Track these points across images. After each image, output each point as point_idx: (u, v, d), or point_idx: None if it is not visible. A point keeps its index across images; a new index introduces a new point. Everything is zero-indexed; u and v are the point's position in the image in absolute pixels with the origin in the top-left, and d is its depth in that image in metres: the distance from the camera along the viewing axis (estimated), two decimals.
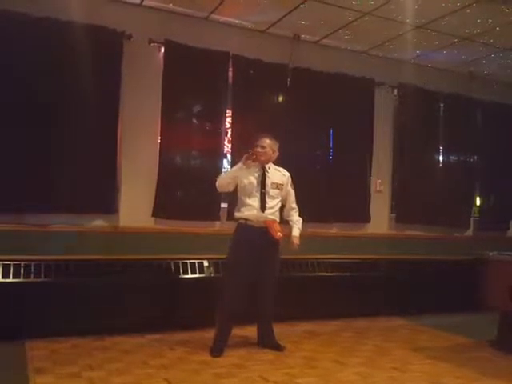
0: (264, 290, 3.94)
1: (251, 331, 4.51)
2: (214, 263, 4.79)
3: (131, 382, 3.17)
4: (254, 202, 3.84)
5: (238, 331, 4.47)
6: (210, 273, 4.76)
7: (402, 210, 5.95)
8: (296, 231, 4.01)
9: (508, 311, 4.19)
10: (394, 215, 5.99)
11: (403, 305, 5.41)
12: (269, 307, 4.00)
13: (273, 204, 3.89)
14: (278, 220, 3.93)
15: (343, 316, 5.12)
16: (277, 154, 4.01)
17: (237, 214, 3.93)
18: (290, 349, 4.05)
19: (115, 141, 4.62)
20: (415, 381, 3.41)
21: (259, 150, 3.88)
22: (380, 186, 5.87)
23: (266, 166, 3.93)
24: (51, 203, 4.32)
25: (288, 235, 3.96)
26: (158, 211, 4.73)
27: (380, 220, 5.88)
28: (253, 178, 3.88)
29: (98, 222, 4.58)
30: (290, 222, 4.06)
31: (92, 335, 4.09)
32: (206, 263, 4.76)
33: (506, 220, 6.60)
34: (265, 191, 3.86)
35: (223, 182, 3.93)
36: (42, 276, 4.13)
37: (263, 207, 3.83)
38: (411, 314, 5.34)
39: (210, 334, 4.33)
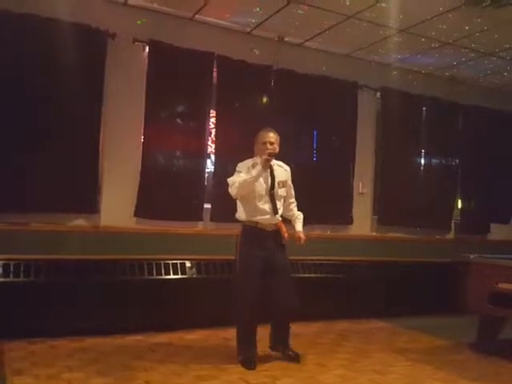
0: (280, 288, 3.62)
1: (234, 332, 4.50)
2: (197, 264, 4.77)
3: (111, 383, 3.13)
4: (265, 205, 3.59)
5: (220, 333, 4.47)
6: (192, 274, 4.74)
7: (384, 213, 6.01)
8: (299, 226, 3.81)
9: (487, 314, 4.25)
10: (376, 217, 6.04)
11: (384, 307, 5.44)
12: (288, 312, 3.72)
13: (281, 204, 3.70)
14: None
15: (324, 318, 5.13)
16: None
17: (244, 217, 3.66)
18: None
19: (97, 140, 4.57)
20: (395, 383, 3.43)
21: (269, 146, 3.61)
22: (363, 189, 5.91)
23: (271, 164, 3.65)
24: (31, 202, 4.25)
25: (288, 232, 3.75)
26: (140, 211, 4.70)
27: (362, 222, 5.92)
28: (262, 180, 3.59)
29: (79, 222, 4.52)
30: (292, 218, 3.86)
31: (71, 336, 4.04)
32: (188, 264, 4.74)
33: (486, 223, 6.69)
34: (274, 192, 3.62)
35: (244, 190, 3.54)
36: (22, 276, 4.07)
37: (275, 211, 3.61)
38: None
39: (190, 336, 4.33)
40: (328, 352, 4.07)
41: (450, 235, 6.50)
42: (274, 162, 3.70)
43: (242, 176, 3.54)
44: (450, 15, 4.61)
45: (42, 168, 4.28)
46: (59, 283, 4.15)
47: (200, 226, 5.05)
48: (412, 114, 6.19)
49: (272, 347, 3.82)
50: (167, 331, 4.37)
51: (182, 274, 4.68)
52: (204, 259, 4.84)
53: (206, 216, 5.05)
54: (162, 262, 4.62)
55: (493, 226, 6.71)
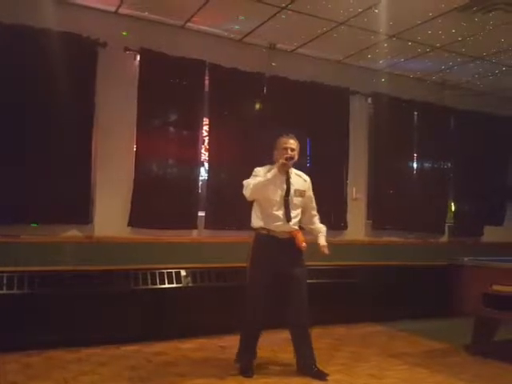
0: (295, 307, 3.52)
1: (229, 340, 4.49)
2: (192, 272, 4.76)
3: None
4: (279, 212, 3.50)
5: (216, 341, 4.46)
6: (188, 282, 4.72)
7: (378, 217, 6.03)
8: (323, 240, 3.69)
9: (482, 316, 4.27)
10: (370, 222, 6.06)
11: (380, 311, 5.45)
12: (306, 325, 3.58)
13: (296, 213, 3.58)
14: (298, 228, 3.65)
15: (321, 323, 5.11)
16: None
17: (256, 224, 3.60)
18: (269, 357, 4.04)
19: (89, 149, 4.56)
20: None
21: (289, 152, 3.52)
22: (356, 194, 5.93)
23: (289, 171, 3.60)
24: (24, 213, 4.23)
25: (306, 242, 3.60)
26: (134, 220, 4.68)
27: (357, 227, 5.94)
28: (277, 186, 3.52)
29: (73, 232, 4.50)
30: (314, 231, 3.75)
31: (66, 347, 4.01)
32: (183, 272, 4.73)
33: (479, 226, 6.73)
34: (288, 200, 3.53)
35: (258, 193, 3.51)
36: (15, 288, 4.04)
37: (288, 218, 3.50)
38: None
39: (185, 345, 4.30)
40: (325, 357, 4.06)
41: (444, 238, 6.53)
42: (293, 171, 3.64)
43: (257, 179, 3.52)
44: (440, 20, 4.66)
45: (34, 178, 4.26)
46: (53, 295, 4.12)
47: (194, 234, 5.04)
48: (403, 119, 6.23)
49: (298, 369, 3.60)
50: (163, 340, 4.34)
51: (177, 283, 4.67)
52: (199, 267, 4.82)
53: (201, 224, 5.04)
54: (156, 272, 4.60)
55: (486, 229, 6.75)
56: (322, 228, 3.76)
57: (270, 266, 3.46)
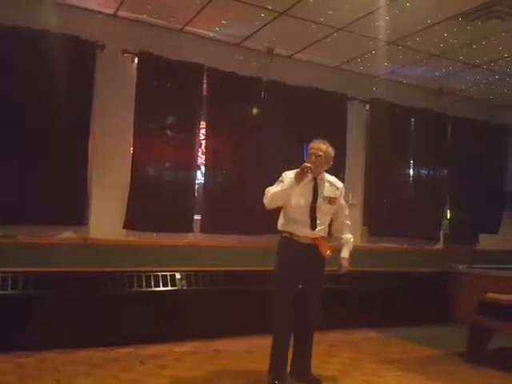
0: (306, 311, 3.45)
1: (224, 344, 4.49)
2: (187, 275, 4.75)
3: None
4: (304, 217, 3.35)
5: (210, 345, 4.44)
6: (183, 285, 4.71)
7: (374, 223, 6.04)
8: (346, 252, 3.55)
9: (476, 324, 4.27)
10: (366, 228, 6.06)
11: (375, 317, 5.44)
12: (311, 330, 3.53)
13: (323, 220, 3.41)
14: (326, 235, 3.48)
15: (317, 329, 5.11)
16: (331, 163, 3.49)
17: (282, 227, 3.48)
18: (263, 362, 4.00)
19: (86, 151, 4.56)
20: None
21: (313, 159, 3.36)
22: (352, 200, 5.93)
23: (318, 177, 3.42)
24: (20, 214, 4.21)
25: (329, 250, 3.43)
26: (130, 223, 4.67)
27: (352, 233, 5.88)
28: (303, 191, 3.36)
29: (68, 234, 4.49)
30: (341, 241, 3.60)
31: (60, 349, 3.98)
32: (178, 275, 4.72)
33: (475, 233, 6.74)
34: (315, 206, 3.37)
35: (275, 202, 3.37)
36: (9, 289, 4.03)
37: (313, 225, 3.35)
38: None
39: (180, 348, 4.29)
40: (320, 363, 4.04)
41: (439, 245, 6.54)
42: (325, 177, 3.48)
43: (278, 187, 3.36)
44: (438, 28, 4.69)
45: (30, 179, 4.25)
46: (48, 296, 4.10)
47: (190, 238, 5.03)
48: (401, 126, 6.25)
49: (291, 372, 3.50)
50: (157, 343, 4.32)
51: (172, 286, 4.66)
52: (194, 271, 4.81)
53: (196, 227, 5.03)
54: (151, 274, 4.59)
55: (481, 236, 6.76)
56: (350, 239, 3.61)
57: (293, 270, 3.35)
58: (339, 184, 3.56)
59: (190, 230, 4.99)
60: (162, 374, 3.60)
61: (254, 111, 5.37)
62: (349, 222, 3.66)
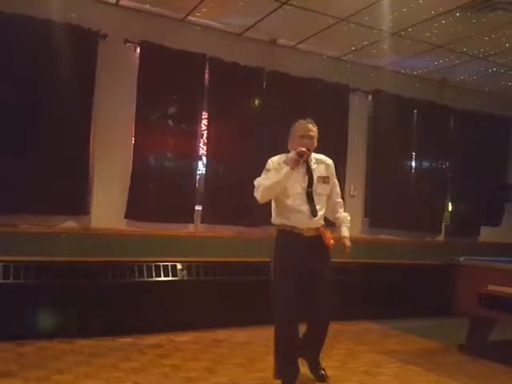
0: (316, 306, 3.17)
1: (224, 334, 4.51)
2: (188, 266, 4.76)
3: None
4: (302, 205, 3.06)
5: (211, 335, 4.47)
6: (183, 276, 4.72)
7: (375, 215, 6.03)
8: (346, 231, 3.31)
9: (477, 316, 4.27)
10: (367, 220, 6.06)
11: (375, 308, 5.46)
12: (325, 324, 3.24)
13: (321, 204, 3.14)
14: (324, 223, 3.23)
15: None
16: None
17: (278, 220, 3.17)
18: (263, 353, 4.02)
19: (88, 141, 4.55)
20: None
21: (306, 141, 3.09)
22: (354, 191, 5.93)
23: (308, 159, 3.14)
24: (21, 203, 4.22)
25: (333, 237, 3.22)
26: (131, 213, 4.68)
27: (353, 224, 5.78)
28: (297, 177, 3.06)
29: (69, 224, 4.50)
30: (337, 220, 3.34)
31: (61, 338, 4.01)
32: (179, 266, 4.73)
33: (476, 226, 6.73)
34: (312, 190, 3.09)
35: (269, 194, 3.07)
36: (11, 278, 4.03)
37: (314, 212, 3.06)
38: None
39: (180, 338, 4.32)
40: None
41: (440, 238, 6.54)
42: (313, 156, 3.19)
43: (269, 177, 3.06)
44: (441, 19, 4.65)
45: (31, 169, 4.25)
46: (49, 285, 4.12)
47: (191, 228, 5.04)
48: (403, 117, 6.22)
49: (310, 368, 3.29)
50: (158, 333, 4.34)
51: (172, 276, 4.67)
52: (195, 261, 4.83)
53: (197, 218, 5.04)
54: (152, 264, 4.60)
55: (483, 229, 6.75)
56: (347, 217, 3.35)
57: (295, 266, 3.03)
58: (329, 161, 3.30)
59: (191, 220, 5.00)
60: (162, 363, 3.62)
61: (256, 102, 5.34)
62: (341, 200, 3.41)
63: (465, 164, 6.57)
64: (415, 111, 6.32)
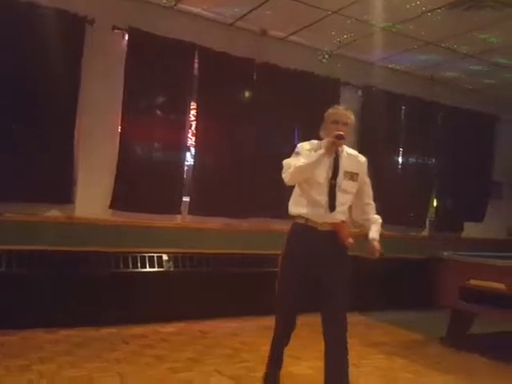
0: (331, 312, 2.87)
1: (209, 325, 4.51)
2: (174, 257, 4.74)
3: (83, 375, 3.10)
4: (321, 196, 2.79)
5: (196, 326, 4.46)
6: (169, 267, 4.70)
7: None
8: (376, 233, 2.96)
9: (458, 309, 4.34)
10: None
11: (360, 301, 5.49)
12: (341, 334, 2.83)
13: (344, 200, 2.84)
14: (346, 220, 2.92)
15: (301, 311, 5.14)
16: None
17: (293, 210, 2.91)
18: (250, 343, 4.06)
19: (73, 129, 4.47)
20: (368, 376, 3.48)
21: (341, 127, 2.81)
22: None
23: (339, 149, 2.84)
24: (4, 191, 4.13)
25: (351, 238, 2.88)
26: (116, 203, 4.62)
27: None
28: (322, 166, 2.79)
29: (53, 212, 4.43)
30: (368, 222, 3.01)
31: (43, 328, 3.97)
32: (165, 257, 4.71)
33: (460, 221, 6.82)
34: (335, 183, 2.81)
35: (299, 176, 2.82)
36: None
37: (332, 205, 2.78)
38: None
39: (165, 329, 4.30)
40: (303, 345, 4.07)
41: (425, 232, 6.62)
42: (345, 149, 2.91)
43: (300, 159, 2.82)
44: (431, 16, 4.67)
45: (16, 156, 4.17)
46: (32, 274, 4.07)
47: (178, 219, 5.01)
48: (392, 113, 6.25)
49: None
50: (142, 324, 4.32)
51: (158, 267, 4.65)
52: (181, 252, 4.81)
53: (185, 209, 5.01)
54: (138, 255, 4.58)
55: (466, 225, 6.85)
56: (378, 220, 3.03)
57: (305, 262, 2.81)
58: (362, 158, 3.01)
59: (178, 211, 4.96)
60: (145, 354, 3.61)
61: (246, 93, 5.31)
62: (373, 203, 3.07)
63: (450, 160, 6.64)
64: (404, 107, 6.36)
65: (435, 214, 6.70)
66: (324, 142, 2.82)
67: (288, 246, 2.91)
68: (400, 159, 6.42)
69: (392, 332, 4.86)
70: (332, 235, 2.82)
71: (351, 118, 2.90)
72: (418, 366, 3.76)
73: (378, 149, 6.11)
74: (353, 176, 2.89)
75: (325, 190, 2.80)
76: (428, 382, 3.46)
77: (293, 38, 5.45)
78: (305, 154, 2.85)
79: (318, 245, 2.80)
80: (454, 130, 6.63)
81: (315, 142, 2.95)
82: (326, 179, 2.80)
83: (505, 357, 4.00)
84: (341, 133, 2.73)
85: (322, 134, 2.97)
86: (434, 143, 6.61)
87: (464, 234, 6.83)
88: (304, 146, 2.91)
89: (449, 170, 6.66)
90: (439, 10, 4.56)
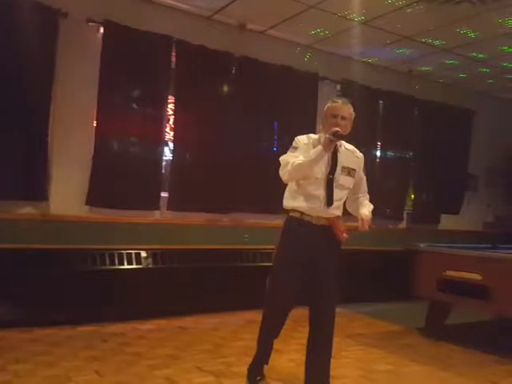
0: (318, 308, 2.92)
1: (189, 321, 4.48)
2: (153, 254, 4.69)
3: (59, 374, 3.05)
4: (318, 191, 2.78)
5: (176, 322, 4.43)
6: (148, 264, 4.65)
7: None
8: (366, 208, 2.97)
9: (435, 300, 4.41)
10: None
11: (340, 293, 5.53)
12: (326, 332, 2.92)
13: (341, 196, 2.87)
14: (341, 215, 2.94)
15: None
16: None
17: (289, 204, 2.89)
18: (228, 338, 4.05)
19: (47, 123, 4.35)
20: (347, 367, 3.52)
21: (340, 122, 2.81)
22: None
23: (338, 144, 2.84)
24: None
25: (346, 233, 2.92)
26: (93, 199, 4.53)
27: None
28: (320, 161, 2.78)
29: (27, 210, 4.32)
30: (359, 205, 3.03)
31: (19, 327, 3.88)
32: (143, 254, 4.65)
33: (437, 214, 6.93)
34: (333, 178, 2.81)
35: (298, 174, 2.79)
36: None
37: (329, 200, 2.79)
38: None
39: (144, 326, 4.26)
40: (284, 338, 4.02)
41: (403, 225, 6.70)
42: (343, 144, 2.90)
43: (297, 156, 2.79)
44: (409, 10, 4.69)
45: None
46: (6, 272, 3.96)
47: (156, 215, 4.95)
48: (369, 107, 6.27)
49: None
50: (121, 322, 4.27)
51: (137, 264, 4.59)
52: (160, 249, 4.76)
53: (163, 205, 4.95)
54: (115, 252, 4.51)
55: (443, 217, 6.96)
56: (369, 204, 3.07)
57: (299, 254, 2.81)
58: (359, 153, 3.02)
59: (157, 207, 4.91)
60: (124, 351, 3.56)
61: (225, 87, 5.25)
62: (367, 195, 3.14)
63: (427, 153, 6.72)
64: (381, 101, 6.39)
65: (413, 207, 6.79)
66: (322, 138, 2.80)
67: (282, 239, 2.90)
68: (378, 153, 6.47)
69: (371, 324, 4.91)
70: (327, 230, 2.83)
71: (350, 111, 2.88)
72: (396, 356, 3.81)
73: (356, 143, 6.12)
74: (350, 172, 2.90)
75: (322, 184, 2.79)
76: (406, 372, 3.51)
77: (271, 31, 5.42)
78: (302, 149, 2.84)
79: (313, 239, 2.81)
80: (430, 123, 6.71)
81: (313, 135, 2.95)
82: (324, 174, 2.80)
83: (481, 346, 4.10)
84: (338, 130, 2.72)
85: (320, 127, 2.99)
86: (412, 137, 6.68)
87: (441, 226, 6.94)
88: (301, 140, 2.90)
89: (426, 163, 6.74)
90: (416, 5, 4.59)
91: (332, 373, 2.95)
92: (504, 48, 5.55)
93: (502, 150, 7.34)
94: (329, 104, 2.93)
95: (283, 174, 2.83)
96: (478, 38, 5.30)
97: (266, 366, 3.05)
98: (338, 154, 2.84)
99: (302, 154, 2.80)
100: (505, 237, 6.15)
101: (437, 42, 5.51)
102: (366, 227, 2.90)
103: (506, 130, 7.14)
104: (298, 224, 2.83)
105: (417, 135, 6.71)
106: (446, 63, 6.13)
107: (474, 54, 5.81)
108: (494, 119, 7.11)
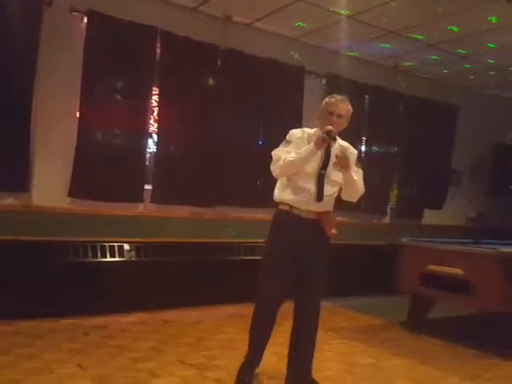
0: (304, 303, 2.94)
1: (172, 315, 4.47)
2: (136, 246, 4.66)
3: (41, 367, 3.02)
4: (308, 184, 2.77)
5: (159, 315, 4.41)
6: (131, 256, 4.62)
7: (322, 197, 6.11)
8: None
9: (417, 295, 4.46)
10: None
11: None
12: (312, 327, 2.97)
13: (332, 191, 2.85)
14: (331, 210, 2.91)
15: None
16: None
17: (279, 196, 2.90)
18: (211, 331, 4.05)
19: (29, 114, 4.28)
20: (329, 360, 3.54)
21: (335, 120, 2.80)
22: None
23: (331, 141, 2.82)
24: None
25: (335, 229, 2.90)
26: (75, 191, 4.48)
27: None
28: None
29: (8, 201, 4.25)
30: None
31: (0, 320, 3.81)
32: (126, 247, 4.62)
33: (420, 209, 7.00)
34: (325, 174, 2.79)
35: (289, 170, 2.79)
36: None
37: (320, 196, 2.76)
38: None
39: (126, 319, 4.24)
40: None
41: (386, 220, 6.76)
42: (338, 140, 2.86)
43: (289, 151, 2.78)
44: (395, 4, 4.69)
45: None
46: None
47: (140, 208, 4.91)
48: (355, 102, 6.19)
49: (287, 380, 2.92)
50: (103, 314, 4.23)
51: (120, 257, 4.56)
52: (144, 242, 4.73)
53: (147, 197, 4.92)
54: (98, 245, 4.47)
55: (426, 212, 7.03)
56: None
57: (288, 248, 2.80)
58: (352, 149, 3.00)
59: (140, 199, 4.87)
60: (106, 344, 3.54)
61: (210, 79, 5.22)
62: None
63: (412, 149, 6.77)
64: (366, 96, 6.41)
65: (396, 202, 6.85)
66: (317, 133, 2.80)
67: (271, 232, 2.90)
68: (363, 148, 6.50)
69: (353, 317, 4.95)
70: (316, 224, 2.82)
71: (347, 108, 2.87)
72: (378, 350, 3.85)
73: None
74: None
75: (313, 178, 2.78)
76: (388, 365, 3.54)
77: (258, 24, 5.39)
78: (295, 143, 2.84)
79: (302, 232, 2.80)
80: (415, 119, 6.75)
81: (307, 129, 2.94)
82: (316, 169, 2.79)
83: (462, 340, 4.15)
84: (331, 129, 2.71)
85: (317, 121, 2.94)
86: (396, 132, 6.71)
87: (424, 221, 7.01)
88: (295, 134, 2.89)
89: (410, 158, 6.79)
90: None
91: (314, 366, 2.96)
92: (488, 45, 5.60)
93: (486, 145, 7.43)
94: (327, 99, 2.92)
95: (274, 169, 2.84)
96: (461, 34, 5.33)
97: (257, 369, 2.94)
98: (331, 150, 2.83)
99: (294, 148, 2.80)
100: (487, 232, 6.23)
101: (422, 37, 5.53)
102: (348, 164, 2.79)
103: (490, 126, 7.22)
104: (286, 217, 2.83)
105: (402, 130, 6.76)
106: (429, 58, 6.17)
107: (459, 50, 5.85)
108: (478, 115, 7.18)
